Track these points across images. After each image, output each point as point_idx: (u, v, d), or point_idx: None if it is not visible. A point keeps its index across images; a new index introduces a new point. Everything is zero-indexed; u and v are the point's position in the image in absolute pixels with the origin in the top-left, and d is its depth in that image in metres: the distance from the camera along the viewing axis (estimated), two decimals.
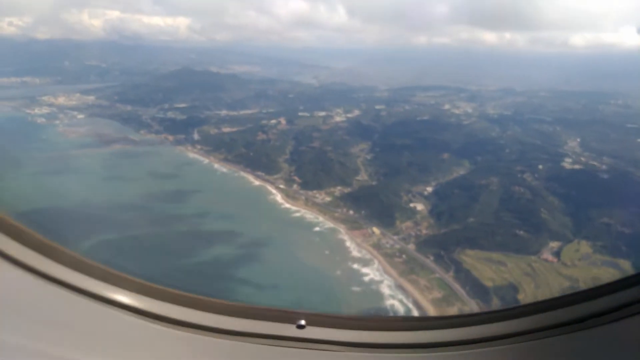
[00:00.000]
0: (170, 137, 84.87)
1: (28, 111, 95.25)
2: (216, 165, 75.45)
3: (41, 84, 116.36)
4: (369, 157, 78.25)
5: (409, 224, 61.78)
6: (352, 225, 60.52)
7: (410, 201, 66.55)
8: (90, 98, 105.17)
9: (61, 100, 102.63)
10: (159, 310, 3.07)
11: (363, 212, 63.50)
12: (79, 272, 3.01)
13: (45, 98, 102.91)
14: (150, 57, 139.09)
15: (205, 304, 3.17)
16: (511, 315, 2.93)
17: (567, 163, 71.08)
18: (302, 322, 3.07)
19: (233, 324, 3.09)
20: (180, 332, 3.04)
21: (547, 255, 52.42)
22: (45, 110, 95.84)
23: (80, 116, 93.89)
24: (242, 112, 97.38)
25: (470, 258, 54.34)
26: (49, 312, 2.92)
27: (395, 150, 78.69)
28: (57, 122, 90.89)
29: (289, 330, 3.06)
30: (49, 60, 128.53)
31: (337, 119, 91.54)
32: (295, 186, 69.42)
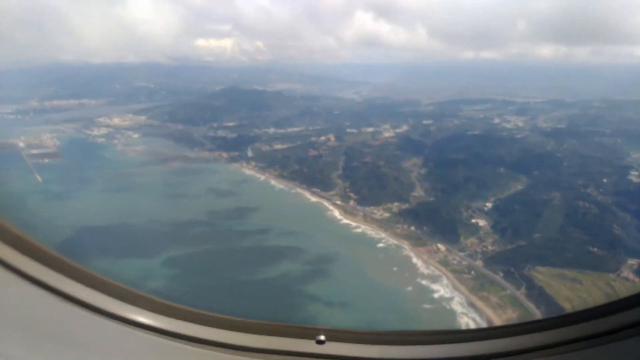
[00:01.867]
0: (224, 155, 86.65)
1: (88, 132, 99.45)
2: (272, 182, 76.38)
3: (96, 106, 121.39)
4: (422, 172, 77.64)
5: (473, 240, 60.73)
6: (416, 241, 59.88)
7: (471, 217, 65.48)
8: (142, 118, 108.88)
9: (116, 121, 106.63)
10: (177, 329, 3.03)
11: (425, 228, 62.80)
12: (95, 290, 2.97)
13: (101, 119, 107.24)
14: (195, 77, 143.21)
15: (224, 322, 3.13)
16: (544, 327, 2.83)
17: (634, 176, 68.60)
18: (322, 337, 3.02)
19: (253, 341, 3.06)
20: (199, 350, 3.00)
21: (627, 273, 50.28)
22: (103, 130, 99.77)
23: (136, 135, 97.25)
24: (290, 129, 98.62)
25: (542, 275, 52.75)
26: (65, 331, 2.88)
27: (449, 166, 77.82)
28: (116, 141, 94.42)
29: (309, 346, 3.01)
30: (101, 83, 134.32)
31: (386, 134, 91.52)
32: (351, 202, 69.41)
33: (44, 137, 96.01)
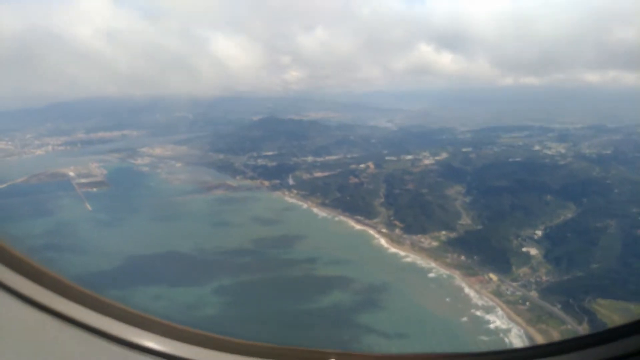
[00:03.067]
0: (266, 183, 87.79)
1: (132, 161, 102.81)
2: (315, 210, 76.63)
3: (138, 136, 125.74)
4: (467, 200, 76.62)
5: (526, 269, 59.01)
6: (467, 271, 58.57)
7: (522, 245, 63.85)
8: (183, 148, 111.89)
9: (158, 150, 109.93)
10: (185, 354, 2.89)
11: (475, 257, 61.46)
12: (99, 313, 2.87)
13: (144, 149, 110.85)
14: (231, 108, 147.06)
15: (232, 346, 3.00)
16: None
17: None
18: None
19: None
20: None
21: None
22: (146, 160, 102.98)
23: (179, 164, 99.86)
24: (328, 157, 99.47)
25: (604, 308, 50.43)
26: (68, 355, 2.78)
27: (493, 193, 76.64)
28: (159, 170, 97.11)
29: None
30: (143, 115, 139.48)
31: (426, 161, 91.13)
32: (397, 230, 68.79)
33: (91, 167, 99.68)
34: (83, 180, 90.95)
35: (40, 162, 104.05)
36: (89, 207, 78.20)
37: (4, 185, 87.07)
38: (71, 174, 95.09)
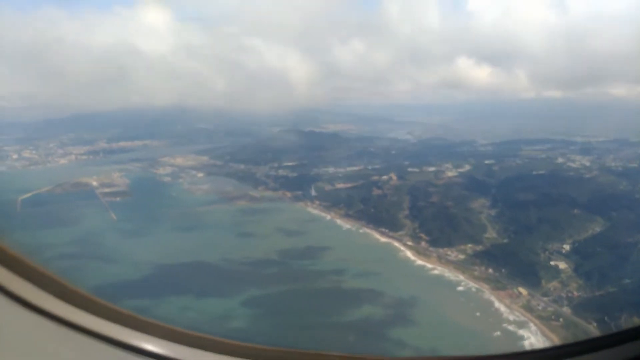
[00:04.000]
0: (288, 194, 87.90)
1: (154, 171, 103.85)
2: (339, 221, 76.43)
3: (159, 146, 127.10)
4: (492, 213, 75.79)
5: (555, 284, 58.12)
6: (496, 284, 57.83)
7: (550, 259, 62.95)
8: (204, 158, 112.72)
9: (179, 160, 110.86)
10: (184, 356, 2.85)
11: (503, 270, 60.73)
12: (100, 317, 2.80)
13: (165, 159, 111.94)
14: (250, 119, 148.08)
15: (232, 349, 2.97)
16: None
17: None
18: None
19: None
20: None
21: None
22: (168, 169, 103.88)
23: (200, 175, 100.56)
24: (349, 168, 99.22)
25: None
26: (63, 357, 2.72)
27: (519, 206, 75.76)
28: (181, 180, 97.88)
29: None
30: (163, 125, 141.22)
31: (449, 174, 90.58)
32: (423, 243, 68.25)
33: (114, 176, 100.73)
34: (106, 190, 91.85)
35: (64, 171, 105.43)
36: (114, 216, 78.91)
37: (29, 195, 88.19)
38: (94, 183, 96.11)
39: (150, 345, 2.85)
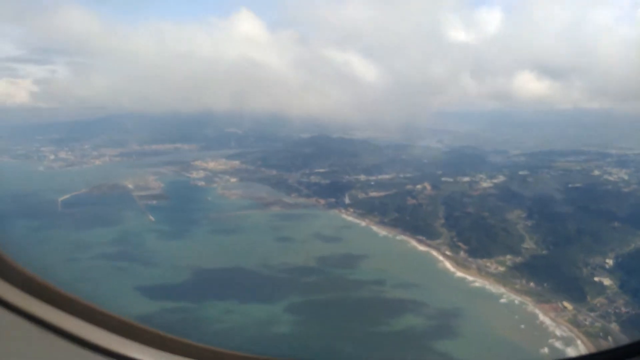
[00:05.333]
0: (322, 201, 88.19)
1: (187, 175, 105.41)
2: (374, 229, 76.35)
3: (189, 150, 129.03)
4: (529, 224, 74.79)
5: (601, 300, 56.95)
6: (539, 298, 56.99)
7: (593, 274, 61.78)
8: (236, 162, 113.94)
9: (211, 164, 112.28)
10: None
11: (545, 284, 59.84)
12: (90, 323, 2.71)
13: (197, 163, 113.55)
14: (280, 125, 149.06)
15: (224, 357, 2.93)
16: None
17: None
18: None
19: None
20: None
21: None
22: (201, 174, 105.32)
23: (234, 180, 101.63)
24: (380, 176, 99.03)
25: None
26: None
27: (556, 218, 74.58)
28: (215, 185, 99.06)
29: None
30: (194, 129, 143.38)
31: (484, 184, 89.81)
32: (462, 253, 67.74)
33: (148, 179, 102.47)
34: (142, 193, 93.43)
35: (99, 172, 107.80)
36: (152, 218, 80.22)
37: (68, 196, 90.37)
38: (130, 185, 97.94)
39: (141, 354, 2.78)
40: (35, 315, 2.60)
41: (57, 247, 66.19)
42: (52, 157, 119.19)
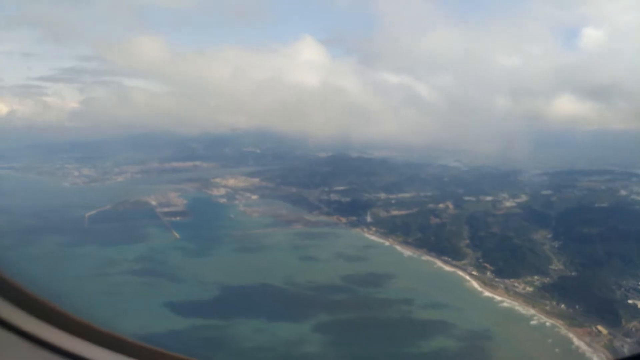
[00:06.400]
0: (343, 219, 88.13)
1: (209, 192, 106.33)
2: (399, 248, 75.89)
3: (209, 168, 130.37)
4: (555, 245, 73.83)
5: (637, 324, 55.55)
6: (571, 321, 55.71)
7: (627, 297, 60.39)
8: (256, 180, 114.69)
9: (232, 182, 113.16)
10: None
11: (577, 307, 58.60)
12: (88, 341, 2.71)
13: (217, 180, 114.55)
14: (297, 144, 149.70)
15: None
16: None
17: None
18: None
19: None
20: None
21: None
22: (222, 191, 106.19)
23: (255, 197, 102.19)
24: (400, 195, 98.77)
25: None
26: None
27: (584, 239, 73.44)
28: (236, 202, 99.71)
29: None
30: (212, 148, 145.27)
31: (507, 204, 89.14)
32: (488, 273, 66.87)
33: (171, 196, 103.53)
34: (165, 209, 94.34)
35: (122, 188, 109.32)
36: (176, 235, 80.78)
37: (94, 212, 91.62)
38: (153, 202, 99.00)
39: None
40: (30, 332, 2.63)
41: (88, 262, 67.03)
42: (76, 173, 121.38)
